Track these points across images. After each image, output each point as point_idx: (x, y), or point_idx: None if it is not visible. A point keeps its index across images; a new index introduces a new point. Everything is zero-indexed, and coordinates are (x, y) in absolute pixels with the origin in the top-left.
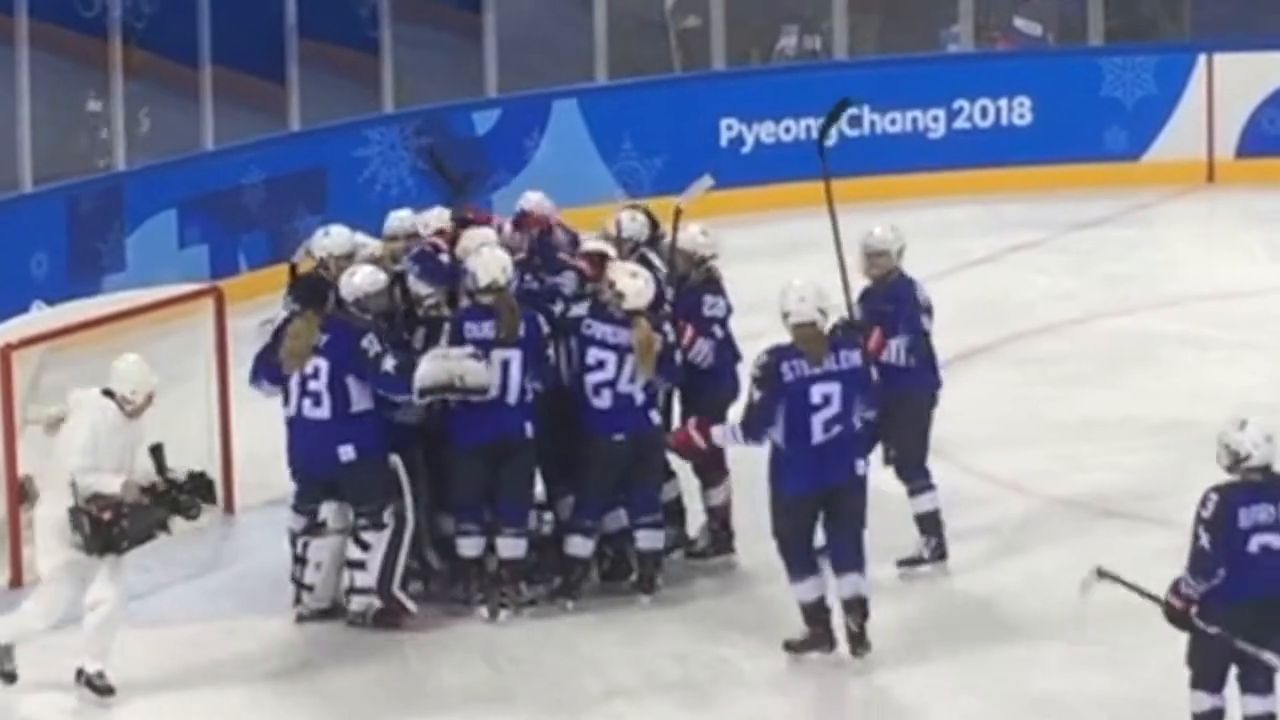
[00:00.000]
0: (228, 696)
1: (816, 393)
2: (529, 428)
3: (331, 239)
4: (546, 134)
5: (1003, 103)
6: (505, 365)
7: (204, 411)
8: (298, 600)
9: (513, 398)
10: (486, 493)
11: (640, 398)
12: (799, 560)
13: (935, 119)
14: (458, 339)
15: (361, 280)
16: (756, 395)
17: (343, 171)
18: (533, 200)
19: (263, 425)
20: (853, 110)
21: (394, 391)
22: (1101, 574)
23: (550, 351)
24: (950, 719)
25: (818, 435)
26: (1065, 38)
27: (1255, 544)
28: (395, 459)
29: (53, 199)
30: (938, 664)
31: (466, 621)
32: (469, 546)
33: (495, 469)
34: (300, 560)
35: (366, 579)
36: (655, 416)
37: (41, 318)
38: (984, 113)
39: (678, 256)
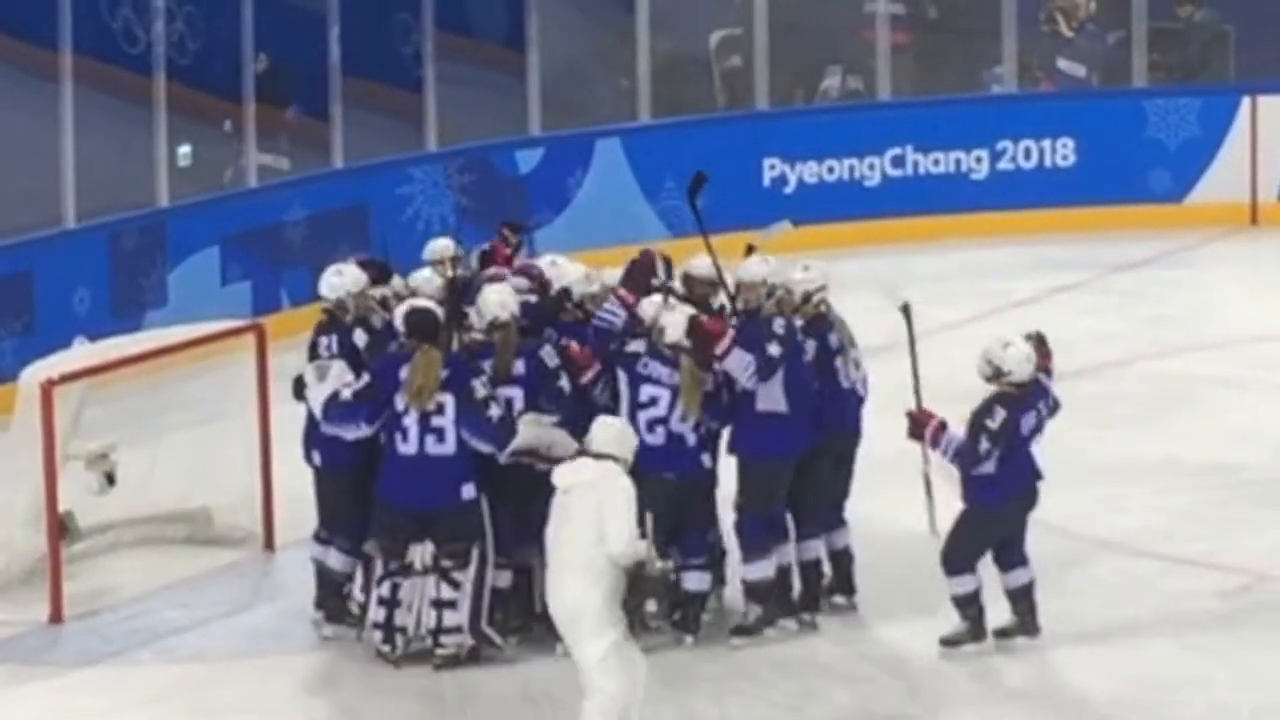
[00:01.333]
0: None
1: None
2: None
3: (345, 278)
4: (590, 173)
5: (1046, 144)
6: (509, 403)
7: (244, 449)
8: (388, 642)
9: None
10: (519, 526)
11: (692, 439)
12: (765, 536)
13: (978, 160)
14: (476, 374)
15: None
16: (778, 349)
17: (386, 209)
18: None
19: (301, 463)
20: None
21: (488, 441)
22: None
23: (563, 384)
24: None
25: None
26: (1109, 79)
27: (1024, 447)
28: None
29: (95, 235)
30: (975, 707)
31: (504, 658)
32: (500, 579)
33: (522, 503)
34: (389, 603)
35: (457, 618)
36: (707, 460)
37: (83, 354)
38: (1027, 154)
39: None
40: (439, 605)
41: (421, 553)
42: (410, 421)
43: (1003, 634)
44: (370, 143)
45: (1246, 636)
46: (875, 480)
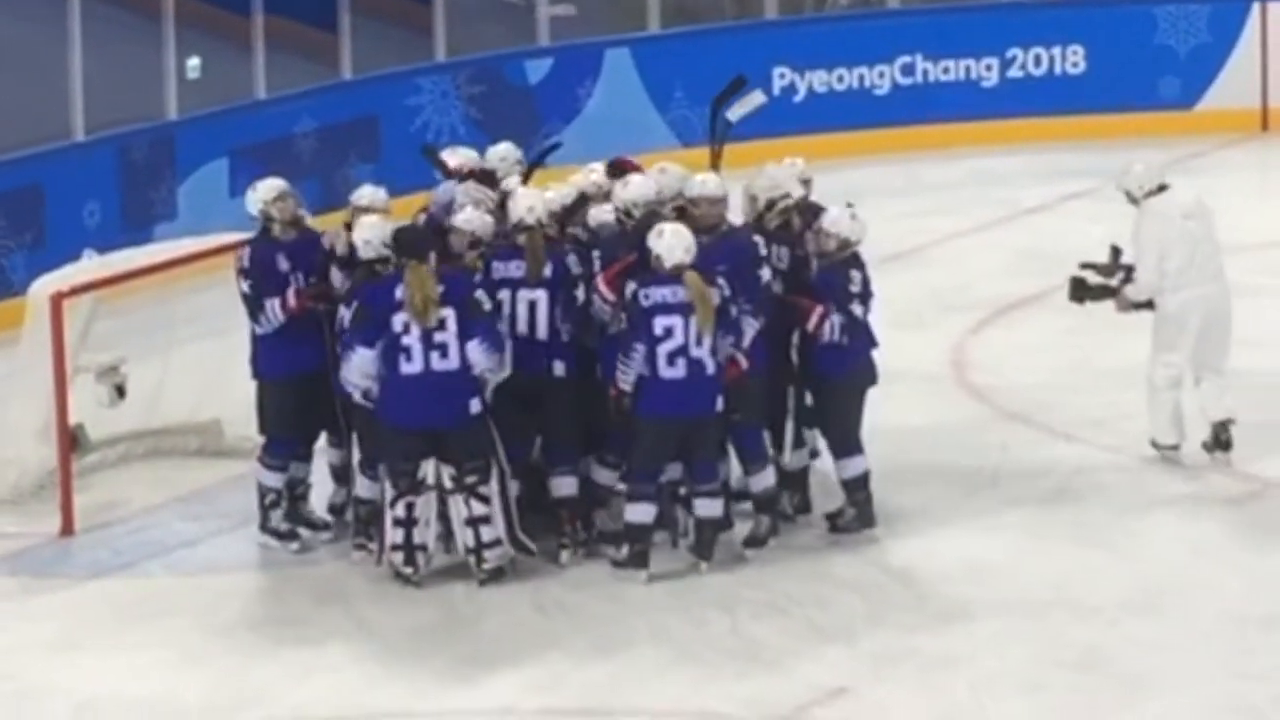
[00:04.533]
0: (279, 640)
1: None
2: (560, 366)
3: (261, 190)
4: (599, 83)
5: (1056, 51)
6: (532, 305)
7: None
8: (410, 563)
9: (542, 335)
10: (526, 434)
11: (711, 367)
12: (763, 446)
13: (988, 68)
14: (486, 276)
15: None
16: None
17: (395, 120)
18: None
19: None
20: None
21: (497, 351)
22: None
23: (580, 293)
24: (997, 668)
25: None
26: None
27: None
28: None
29: (105, 148)
30: (985, 611)
31: (514, 567)
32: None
33: (532, 409)
34: (406, 522)
35: (494, 531)
36: (721, 401)
37: (92, 266)
38: (1037, 61)
39: (821, 239)
40: (474, 523)
41: (435, 468)
42: (412, 340)
43: (839, 527)
44: (378, 54)
45: (1257, 542)
46: (888, 394)
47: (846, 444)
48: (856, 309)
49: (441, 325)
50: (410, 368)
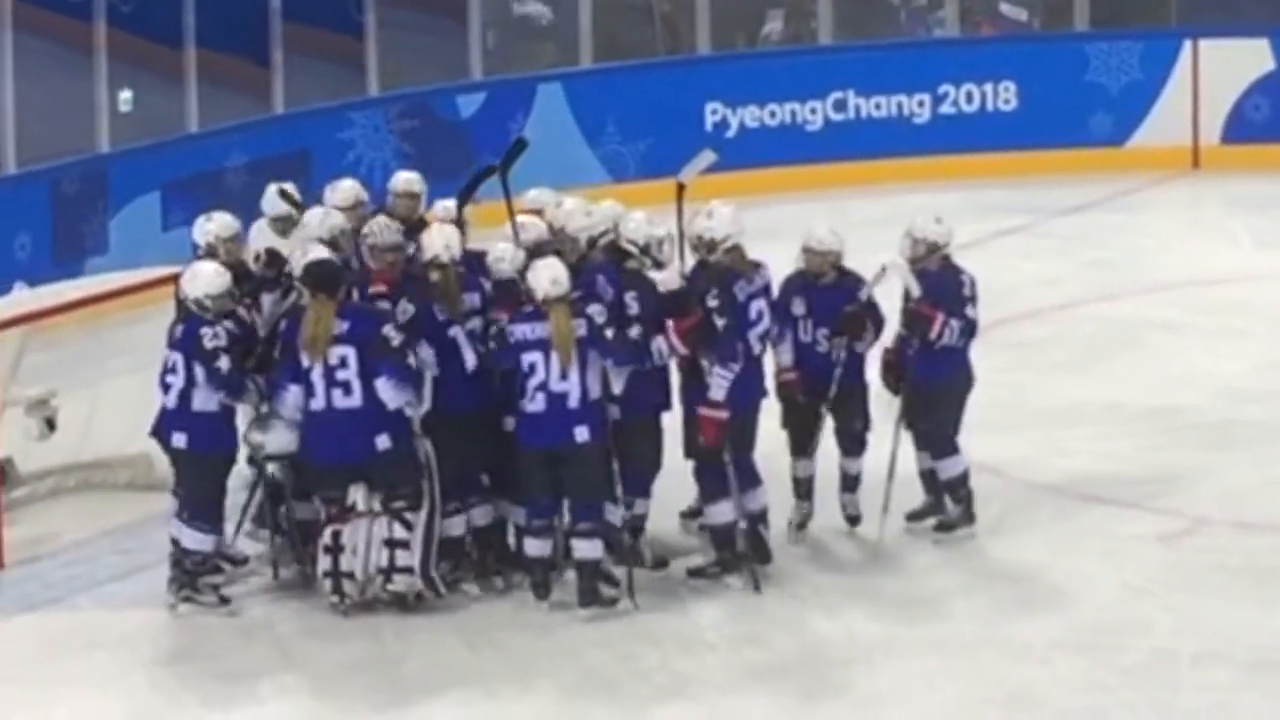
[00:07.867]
0: (207, 674)
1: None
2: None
3: (214, 223)
4: (531, 117)
5: (988, 88)
6: (454, 341)
7: None
8: (337, 592)
9: (470, 367)
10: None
11: (574, 400)
12: (724, 482)
13: (920, 104)
14: (386, 322)
15: (205, 283)
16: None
17: (327, 154)
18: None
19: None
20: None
21: (407, 388)
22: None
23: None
24: (927, 707)
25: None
26: (1050, 23)
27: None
28: (426, 443)
29: (36, 181)
30: (915, 649)
31: (444, 603)
32: (453, 527)
33: (467, 450)
34: (333, 550)
35: (409, 558)
36: (584, 432)
37: (23, 299)
38: (969, 98)
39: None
40: (392, 545)
41: (363, 494)
42: (316, 377)
43: (946, 526)
44: (310, 88)
45: (1188, 581)
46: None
47: (948, 446)
48: (970, 311)
49: (343, 363)
50: (315, 404)
